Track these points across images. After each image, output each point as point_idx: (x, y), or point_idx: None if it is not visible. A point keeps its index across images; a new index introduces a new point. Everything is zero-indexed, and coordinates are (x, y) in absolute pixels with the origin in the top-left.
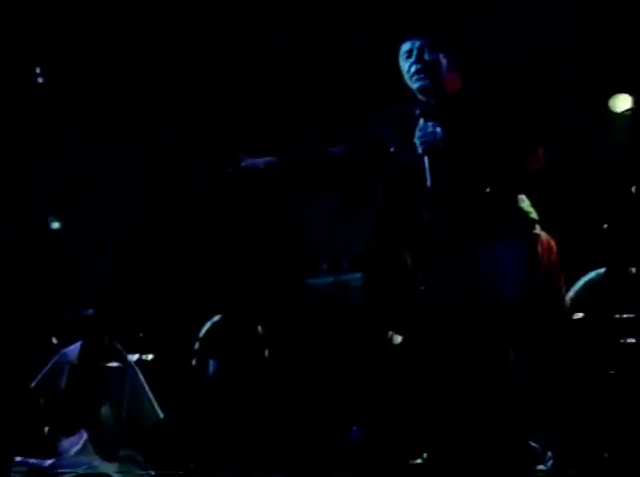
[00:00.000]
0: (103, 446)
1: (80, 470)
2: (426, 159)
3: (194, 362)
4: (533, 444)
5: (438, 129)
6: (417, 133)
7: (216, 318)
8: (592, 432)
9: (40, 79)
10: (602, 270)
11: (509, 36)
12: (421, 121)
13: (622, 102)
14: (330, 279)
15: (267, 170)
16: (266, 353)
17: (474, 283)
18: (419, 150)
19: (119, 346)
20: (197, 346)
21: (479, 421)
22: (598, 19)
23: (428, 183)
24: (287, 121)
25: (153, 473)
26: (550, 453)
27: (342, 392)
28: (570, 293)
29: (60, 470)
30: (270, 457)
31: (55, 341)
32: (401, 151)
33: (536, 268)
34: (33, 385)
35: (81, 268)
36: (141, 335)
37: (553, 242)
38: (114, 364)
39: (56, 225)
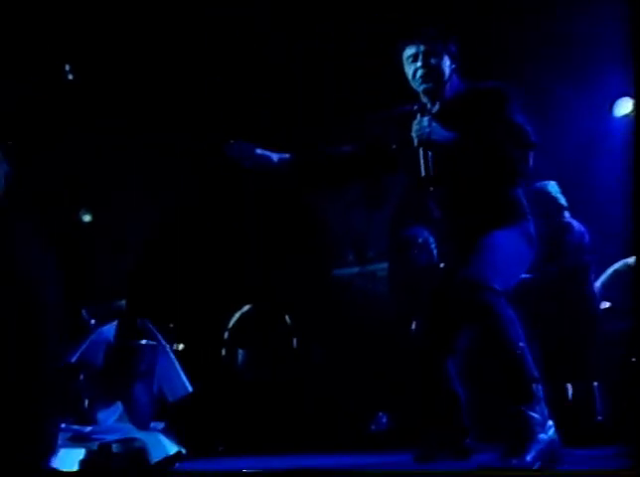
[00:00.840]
0: (137, 417)
1: (116, 436)
2: (421, 151)
3: (223, 351)
4: (533, 414)
5: (434, 124)
6: (414, 127)
7: (245, 308)
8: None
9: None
10: (631, 260)
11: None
12: (418, 116)
13: (624, 107)
14: (356, 270)
15: (280, 166)
16: (294, 342)
17: (470, 268)
18: (415, 142)
19: (151, 325)
20: (226, 336)
21: (478, 393)
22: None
23: (422, 173)
24: (287, 121)
25: (184, 451)
26: (550, 422)
27: (368, 380)
28: (598, 283)
29: (98, 436)
30: (296, 442)
31: (92, 322)
32: (401, 147)
33: (562, 255)
34: (74, 360)
35: (112, 259)
36: (172, 325)
37: (584, 229)
38: (147, 342)
39: (87, 218)
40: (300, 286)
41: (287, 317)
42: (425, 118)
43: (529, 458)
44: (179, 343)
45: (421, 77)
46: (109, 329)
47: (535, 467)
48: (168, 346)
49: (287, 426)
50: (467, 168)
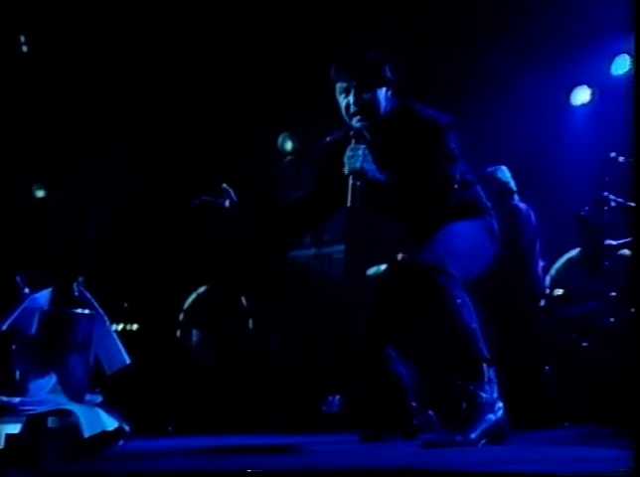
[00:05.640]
0: (72, 389)
1: (47, 407)
2: (350, 179)
3: (178, 333)
4: (482, 393)
5: (368, 155)
6: (347, 153)
7: (200, 290)
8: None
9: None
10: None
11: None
12: (352, 142)
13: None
14: (312, 251)
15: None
16: (250, 324)
17: (428, 252)
18: (345, 170)
19: (88, 294)
20: (181, 317)
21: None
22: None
23: (349, 203)
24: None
25: (127, 428)
26: (500, 404)
27: (322, 361)
28: (552, 271)
29: (28, 407)
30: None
31: (27, 290)
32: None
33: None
34: (4, 329)
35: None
36: (126, 305)
37: (532, 213)
38: (83, 310)
39: (40, 193)
40: (257, 267)
41: (243, 298)
42: (361, 147)
43: (473, 436)
44: (133, 324)
45: (354, 114)
46: (44, 296)
47: (479, 445)
48: (105, 316)
49: (240, 407)
50: (393, 202)
